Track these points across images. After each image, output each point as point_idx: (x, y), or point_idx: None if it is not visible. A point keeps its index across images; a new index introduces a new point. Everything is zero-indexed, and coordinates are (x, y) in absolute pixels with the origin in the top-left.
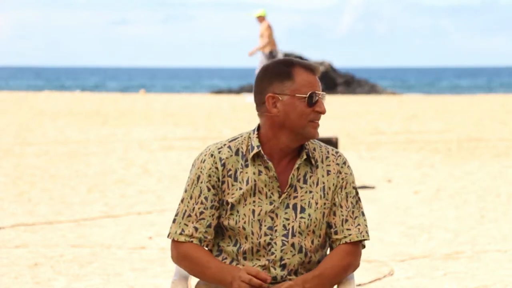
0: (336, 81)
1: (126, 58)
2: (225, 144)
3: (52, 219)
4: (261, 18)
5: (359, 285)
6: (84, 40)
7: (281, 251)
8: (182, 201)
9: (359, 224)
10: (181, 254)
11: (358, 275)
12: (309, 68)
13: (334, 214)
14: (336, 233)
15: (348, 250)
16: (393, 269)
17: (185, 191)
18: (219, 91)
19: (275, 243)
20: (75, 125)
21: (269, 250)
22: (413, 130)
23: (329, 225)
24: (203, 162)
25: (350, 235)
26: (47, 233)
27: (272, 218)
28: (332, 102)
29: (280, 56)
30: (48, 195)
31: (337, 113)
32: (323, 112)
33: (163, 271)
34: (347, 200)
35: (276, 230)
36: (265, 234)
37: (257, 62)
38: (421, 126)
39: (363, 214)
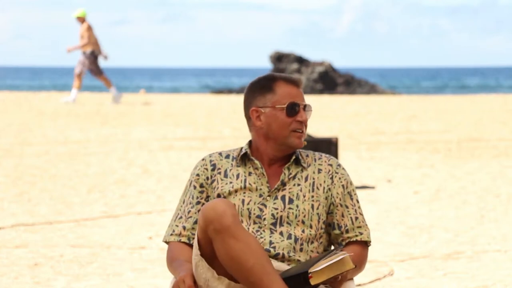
0: (336, 81)
1: (126, 58)
2: (217, 152)
3: (52, 219)
4: (81, 19)
5: (359, 285)
6: None
7: (270, 236)
8: (178, 203)
9: (366, 225)
10: (167, 253)
11: (358, 275)
12: (290, 81)
13: (342, 215)
14: (347, 231)
15: (360, 248)
16: (393, 269)
17: (181, 197)
18: (219, 91)
19: (264, 231)
20: (75, 125)
21: (259, 235)
22: (413, 130)
23: (338, 226)
24: (195, 168)
25: (361, 234)
26: (47, 233)
27: (261, 209)
28: (332, 102)
29: (103, 55)
30: (48, 195)
31: (337, 113)
32: (304, 121)
33: (163, 271)
34: (351, 199)
35: (264, 219)
36: (254, 223)
37: (76, 62)
38: (421, 126)
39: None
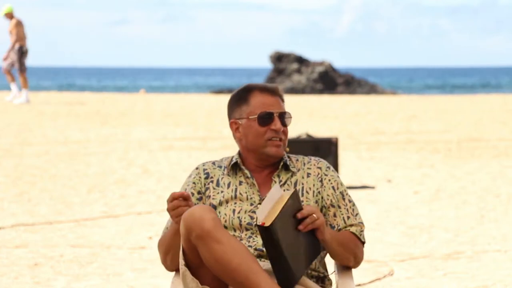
0: (336, 81)
1: (126, 58)
2: (210, 161)
3: (52, 219)
4: (9, 15)
5: (359, 285)
6: (84, 40)
7: (262, 239)
8: None
9: (361, 222)
10: (160, 244)
11: (358, 275)
12: (265, 89)
13: (335, 215)
14: (339, 230)
15: (351, 234)
16: (393, 269)
17: None
18: (219, 91)
19: (256, 236)
20: (75, 125)
21: (252, 240)
22: (413, 130)
23: (331, 226)
24: (190, 177)
25: (351, 226)
26: (47, 233)
27: (251, 217)
28: (332, 102)
29: (27, 51)
30: (48, 195)
31: (337, 113)
32: (278, 129)
33: (163, 271)
34: (344, 199)
35: (255, 225)
36: (246, 229)
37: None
38: (421, 126)
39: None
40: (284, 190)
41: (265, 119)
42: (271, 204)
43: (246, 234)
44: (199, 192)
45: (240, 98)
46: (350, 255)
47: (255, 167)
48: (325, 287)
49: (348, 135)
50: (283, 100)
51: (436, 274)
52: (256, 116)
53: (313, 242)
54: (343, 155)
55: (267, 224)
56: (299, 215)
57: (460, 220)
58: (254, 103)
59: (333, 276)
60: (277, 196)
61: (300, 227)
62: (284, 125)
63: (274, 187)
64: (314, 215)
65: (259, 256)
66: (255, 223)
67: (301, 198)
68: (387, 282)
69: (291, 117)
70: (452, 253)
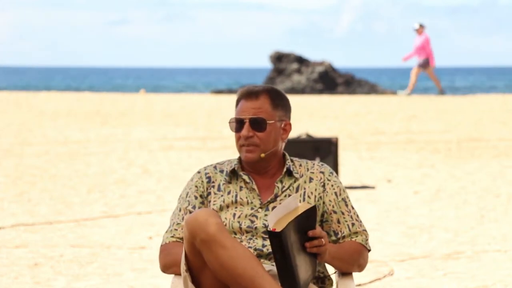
0: (336, 81)
1: (126, 58)
2: (211, 165)
3: (52, 219)
4: None
5: (359, 285)
6: (84, 40)
7: (262, 242)
8: (173, 213)
9: (365, 230)
10: (163, 250)
11: (358, 275)
12: (245, 95)
13: (338, 222)
14: (344, 237)
15: (357, 245)
16: (393, 269)
17: (176, 206)
18: (219, 91)
19: (256, 238)
20: (75, 125)
21: (252, 242)
22: (413, 130)
23: (334, 233)
24: (192, 180)
25: (357, 237)
26: (47, 233)
27: (252, 221)
28: (332, 102)
29: None
30: (48, 195)
31: (337, 113)
32: (242, 136)
33: None
34: (346, 205)
35: (256, 228)
36: (246, 232)
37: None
38: (421, 126)
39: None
40: (300, 202)
41: (236, 125)
42: (284, 212)
43: (246, 236)
44: (201, 196)
45: (236, 104)
46: (353, 266)
47: (254, 169)
48: (325, 287)
49: (348, 135)
50: (274, 101)
51: (436, 274)
52: (229, 123)
53: (313, 263)
54: (343, 155)
55: (278, 230)
56: (310, 233)
57: (460, 220)
58: (236, 109)
59: (333, 276)
60: (292, 206)
61: (307, 244)
62: (258, 130)
63: (291, 197)
64: (323, 239)
65: (259, 256)
66: (256, 226)
67: (303, 203)
68: (387, 282)
69: (269, 121)
70: (452, 253)
